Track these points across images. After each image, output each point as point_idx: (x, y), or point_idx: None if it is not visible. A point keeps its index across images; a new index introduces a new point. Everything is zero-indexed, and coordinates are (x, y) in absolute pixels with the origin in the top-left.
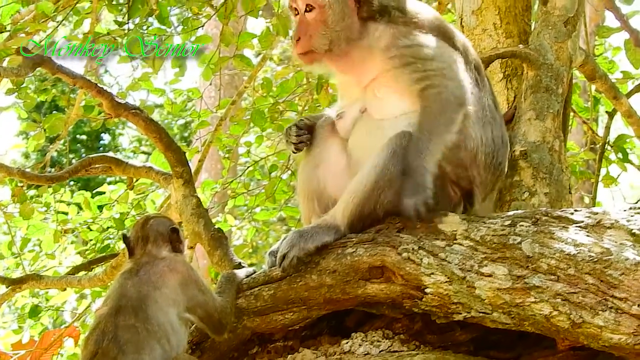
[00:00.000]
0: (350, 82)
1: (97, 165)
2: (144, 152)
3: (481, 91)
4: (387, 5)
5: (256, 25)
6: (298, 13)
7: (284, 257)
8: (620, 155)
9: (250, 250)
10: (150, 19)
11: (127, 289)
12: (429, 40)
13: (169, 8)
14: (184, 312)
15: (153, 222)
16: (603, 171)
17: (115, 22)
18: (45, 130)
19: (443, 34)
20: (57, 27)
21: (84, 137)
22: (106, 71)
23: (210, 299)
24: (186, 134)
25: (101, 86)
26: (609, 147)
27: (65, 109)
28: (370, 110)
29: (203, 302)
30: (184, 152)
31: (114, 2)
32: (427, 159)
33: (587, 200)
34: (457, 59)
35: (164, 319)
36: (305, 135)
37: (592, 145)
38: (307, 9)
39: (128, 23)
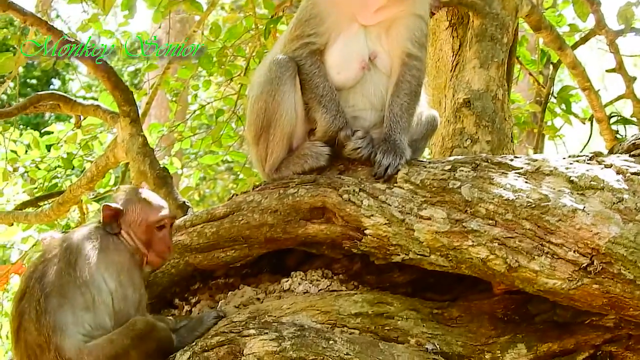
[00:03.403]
0: (349, 8)
1: (45, 103)
2: (93, 98)
3: None
4: None
5: None
6: None
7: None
8: (563, 106)
9: (198, 198)
10: None
11: (70, 240)
12: None
13: None
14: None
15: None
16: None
17: None
18: None
19: None
20: None
21: (34, 81)
22: (58, 16)
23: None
24: (136, 81)
25: (51, 24)
26: (553, 99)
27: (16, 48)
28: (378, 61)
29: (129, 300)
30: (132, 92)
31: None
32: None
33: (531, 152)
34: None
35: (91, 276)
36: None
37: (538, 98)
38: None
39: None
